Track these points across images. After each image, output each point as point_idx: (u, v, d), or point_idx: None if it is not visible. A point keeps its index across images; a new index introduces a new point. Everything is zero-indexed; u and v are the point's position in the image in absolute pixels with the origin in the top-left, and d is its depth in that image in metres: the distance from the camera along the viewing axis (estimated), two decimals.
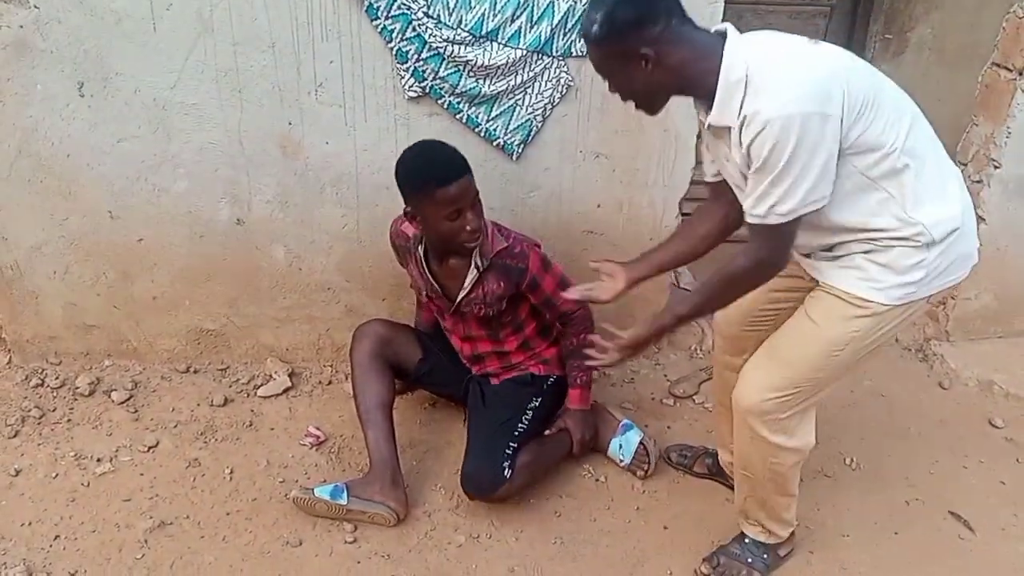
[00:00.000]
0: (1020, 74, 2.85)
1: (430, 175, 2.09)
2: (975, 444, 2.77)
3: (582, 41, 2.45)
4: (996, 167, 2.98)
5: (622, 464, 2.51)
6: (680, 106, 2.61)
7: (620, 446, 2.51)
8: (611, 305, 2.29)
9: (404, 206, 2.20)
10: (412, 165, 2.16)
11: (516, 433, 2.35)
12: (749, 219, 1.68)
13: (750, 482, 2.08)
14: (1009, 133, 2.92)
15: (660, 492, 2.47)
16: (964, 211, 1.77)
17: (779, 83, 1.56)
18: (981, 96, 3.02)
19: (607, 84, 1.74)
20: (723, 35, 1.65)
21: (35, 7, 2.26)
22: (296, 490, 2.24)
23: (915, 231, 1.69)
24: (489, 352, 2.50)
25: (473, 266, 2.27)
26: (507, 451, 2.30)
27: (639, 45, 1.61)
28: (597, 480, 2.50)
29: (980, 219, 3.06)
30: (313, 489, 2.22)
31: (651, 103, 1.76)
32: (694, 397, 2.91)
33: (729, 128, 1.64)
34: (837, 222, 1.72)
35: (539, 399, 2.46)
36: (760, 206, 1.63)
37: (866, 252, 1.75)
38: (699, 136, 2.01)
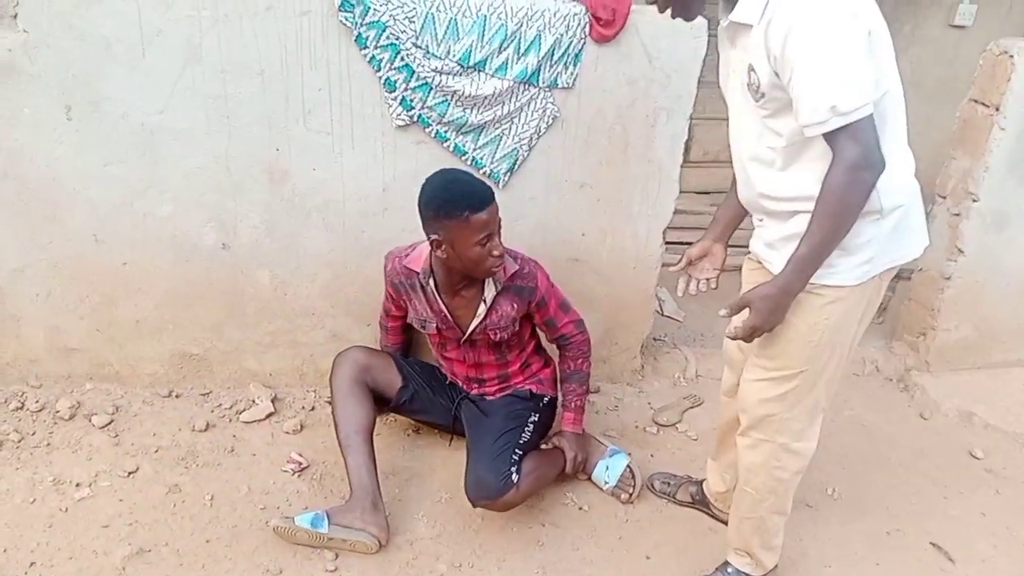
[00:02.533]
0: (997, 110, 2.91)
1: (465, 201, 2.11)
2: (955, 475, 2.79)
3: (568, 73, 2.51)
4: (974, 200, 3.04)
5: (606, 488, 2.52)
6: (662, 140, 2.66)
7: (606, 468, 2.53)
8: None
9: (429, 235, 2.18)
10: (444, 192, 2.15)
11: (522, 441, 2.38)
12: (811, 131, 1.61)
13: (750, 499, 2.08)
14: (987, 167, 2.98)
15: (643, 521, 2.47)
16: (914, 190, 1.80)
17: None
18: (959, 131, 3.09)
19: None
20: None
21: (24, 31, 2.27)
22: (276, 519, 2.22)
23: (875, 199, 1.69)
24: (494, 376, 2.53)
25: (486, 292, 2.32)
26: (514, 456, 2.32)
27: None
28: (580, 508, 2.49)
29: (959, 252, 3.11)
30: (294, 518, 2.21)
31: (688, 5, 1.78)
32: (677, 425, 2.92)
33: (749, 28, 1.64)
34: (803, 184, 1.72)
35: (537, 415, 2.49)
36: (818, 110, 1.56)
37: None
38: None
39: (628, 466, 2.52)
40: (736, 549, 2.19)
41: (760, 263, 1.97)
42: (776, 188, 1.79)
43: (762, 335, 1.82)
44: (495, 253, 2.17)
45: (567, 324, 2.46)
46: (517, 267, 2.34)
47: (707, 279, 2.18)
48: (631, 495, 2.49)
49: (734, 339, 1.86)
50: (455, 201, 2.11)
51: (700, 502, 2.50)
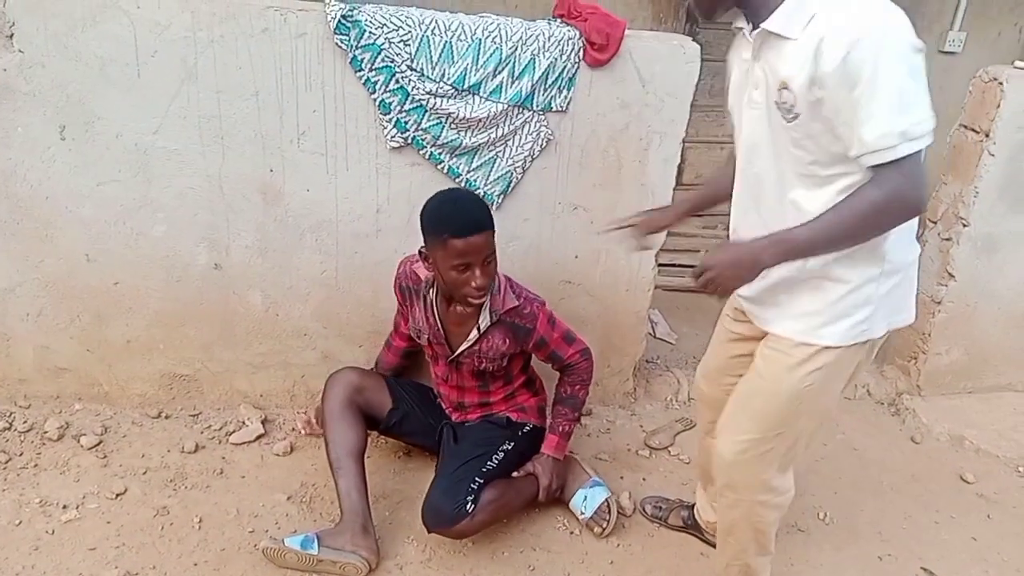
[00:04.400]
0: (987, 136, 2.94)
1: (448, 223, 2.10)
2: (947, 499, 2.79)
3: (562, 96, 2.52)
4: (965, 225, 3.06)
5: (582, 518, 2.47)
6: (655, 163, 2.67)
7: (584, 498, 2.48)
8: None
9: (421, 246, 2.20)
10: (436, 208, 2.16)
11: (484, 469, 2.34)
12: (874, 158, 1.45)
13: (732, 549, 2.06)
14: (977, 192, 3.00)
15: (634, 546, 2.45)
16: (917, 252, 1.75)
17: (863, 4, 1.46)
18: (950, 156, 3.11)
19: None
20: None
21: (20, 51, 2.27)
22: (266, 540, 2.20)
23: (879, 256, 1.63)
24: (475, 403, 2.51)
25: (481, 319, 2.30)
26: (472, 486, 2.28)
27: None
28: (571, 533, 2.48)
29: (950, 276, 3.13)
30: (283, 539, 2.19)
31: (712, 6, 1.66)
32: (670, 449, 2.91)
33: (784, 42, 1.52)
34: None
35: (512, 443, 2.45)
36: (889, 135, 1.42)
37: (804, 284, 1.68)
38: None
39: (607, 500, 2.47)
40: None
41: (744, 313, 1.91)
42: (790, 214, 1.64)
43: (715, 291, 1.62)
44: (473, 284, 2.14)
45: (573, 355, 2.42)
46: (517, 304, 2.32)
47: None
48: (604, 529, 2.44)
49: (699, 290, 1.65)
50: (440, 221, 2.12)
51: (692, 527, 2.48)
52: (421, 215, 2.19)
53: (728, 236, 1.90)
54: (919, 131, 1.44)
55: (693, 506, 2.49)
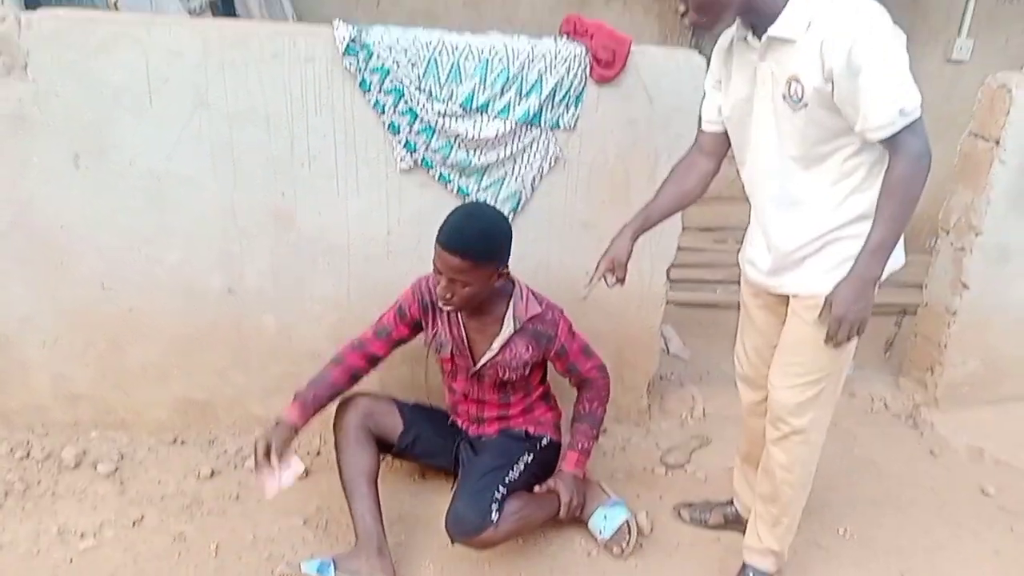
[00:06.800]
0: (996, 143, 2.93)
1: (443, 227, 2.15)
2: (968, 512, 2.76)
3: (569, 114, 2.53)
4: (977, 235, 3.04)
5: (600, 538, 2.46)
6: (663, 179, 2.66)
7: (604, 517, 2.47)
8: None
9: None
10: (451, 212, 2.20)
11: (507, 480, 2.34)
12: (880, 133, 1.72)
13: (787, 496, 2.15)
14: (988, 201, 2.99)
15: (652, 567, 2.43)
16: None
17: (857, 6, 1.71)
18: (960, 165, 3.10)
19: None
20: None
21: (33, 81, 2.30)
22: (282, 566, 2.20)
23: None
24: (494, 416, 2.51)
25: (504, 327, 2.31)
26: (496, 495, 2.28)
27: None
28: (589, 554, 2.46)
29: (964, 286, 3.11)
30: (300, 564, 2.19)
31: (716, 19, 1.82)
32: (685, 466, 2.90)
33: (791, 44, 1.75)
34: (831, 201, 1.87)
35: (531, 455, 2.45)
36: (886, 112, 1.69)
37: (825, 247, 1.91)
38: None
39: (626, 521, 2.46)
40: (767, 551, 2.23)
41: (766, 292, 2.08)
42: (809, 191, 1.89)
43: (854, 330, 1.86)
44: (441, 293, 2.17)
45: (591, 369, 2.44)
46: (540, 311, 2.34)
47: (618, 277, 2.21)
48: (623, 550, 2.43)
49: (835, 347, 1.92)
50: (442, 223, 2.16)
51: (734, 520, 2.53)
52: None
53: (753, 241, 2.10)
54: (911, 105, 1.70)
55: (730, 502, 2.55)
